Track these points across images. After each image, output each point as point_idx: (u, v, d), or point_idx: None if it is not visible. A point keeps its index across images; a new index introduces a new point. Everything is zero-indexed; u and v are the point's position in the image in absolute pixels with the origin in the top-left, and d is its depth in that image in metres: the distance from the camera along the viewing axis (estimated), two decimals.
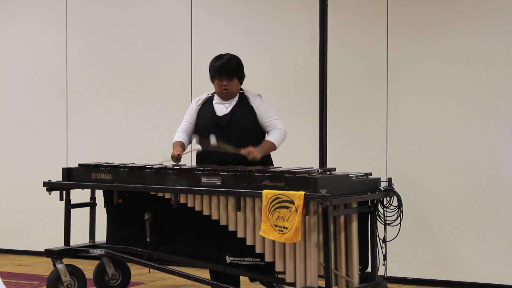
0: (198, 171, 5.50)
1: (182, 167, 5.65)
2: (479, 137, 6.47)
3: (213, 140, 5.60)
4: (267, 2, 7.26)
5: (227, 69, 5.70)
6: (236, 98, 5.77)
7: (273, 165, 5.79)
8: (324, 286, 5.06)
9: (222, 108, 5.76)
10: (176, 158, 5.77)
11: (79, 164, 6.10)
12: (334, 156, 6.88)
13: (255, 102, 5.73)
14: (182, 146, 5.86)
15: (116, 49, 7.87)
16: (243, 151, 5.58)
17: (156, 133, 7.68)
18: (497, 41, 6.41)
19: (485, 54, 6.44)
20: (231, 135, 5.68)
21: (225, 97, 5.76)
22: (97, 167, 5.97)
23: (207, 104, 5.83)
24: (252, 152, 5.57)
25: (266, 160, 5.75)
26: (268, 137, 5.72)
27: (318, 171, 5.27)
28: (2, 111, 8.39)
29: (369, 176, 5.44)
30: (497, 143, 6.41)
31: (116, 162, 6.08)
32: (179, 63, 7.58)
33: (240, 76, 5.77)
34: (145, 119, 7.73)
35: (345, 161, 6.73)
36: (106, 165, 5.98)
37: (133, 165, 5.87)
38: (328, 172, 5.31)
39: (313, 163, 6.61)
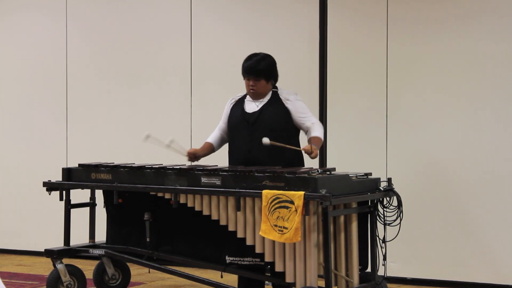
0: (198, 171, 5.50)
1: (182, 167, 5.65)
2: (479, 137, 6.46)
3: (265, 140, 5.46)
4: (267, 2, 7.26)
5: (253, 70, 5.65)
6: (268, 97, 5.73)
7: (298, 159, 5.73)
8: (324, 286, 5.06)
9: (252, 106, 5.74)
10: (189, 155, 5.79)
11: (79, 164, 6.10)
12: (334, 156, 6.88)
13: (289, 99, 5.68)
14: (208, 147, 5.89)
15: (116, 49, 7.87)
16: (305, 148, 5.46)
17: (156, 133, 7.65)
18: (498, 40, 6.41)
19: (485, 54, 6.44)
20: (258, 132, 5.59)
21: (253, 96, 5.74)
22: (97, 167, 5.97)
23: (239, 102, 5.82)
24: (315, 148, 5.45)
25: (300, 159, 5.71)
26: (314, 133, 5.60)
27: (318, 171, 5.27)
28: (2, 111, 8.39)
29: (369, 176, 5.44)
30: (497, 143, 6.41)
31: (116, 162, 6.08)
32: (179, 63, 7.58)
33: (269, 77, 5.69)
34: (145, 119, 7.73)
35: (345, 161, 6.73)
36: (106, 165, 5.98)
37: (133, 165, 5.87)
38: (328, 172, 5.31)
39: (313, 163, 6.60)
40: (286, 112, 5.66)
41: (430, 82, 6.63)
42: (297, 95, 5.75)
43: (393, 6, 6.73)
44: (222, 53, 7.37)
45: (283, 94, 5.71)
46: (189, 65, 7.54)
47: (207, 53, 7.48)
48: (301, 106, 5.69)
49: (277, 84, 5.81)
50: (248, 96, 5.80)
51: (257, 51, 5.86)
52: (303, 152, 5.58)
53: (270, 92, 5.72)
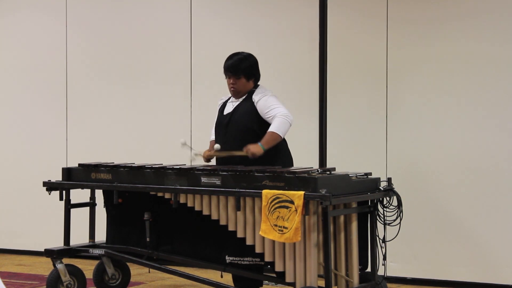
0: (197, 171, 5.50)
1: (182, 167, 5.65)
2: (479, 137, 6.46)
3: (216, 149, 5.64)
4: (267, 1, 7.26)
5: (233, 69, 5.74)
6: (243, 97, 5.78)
7: (289, 158, 5.76)
8: (323, 286, 5.06)
9: (230, 107, 5.81)
10: (207, 157, 5.84)
11: (79, 164, 6.10)
12: (334, 156, 6.88)
13: (256, 98, 5.70)
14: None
15: (116, 49, 7.87)
16: (246, 148, 5.53)
17: (156, 133, 7.68)
18: (498, 40, 6.40)
19: (485, 54, 6.44)
20: (230, 134, 5.70)
21: (234, 94, 5.82)
22: (97, 167, 5.97)
23: (224, 104, 5.91)
24: (249, 149, 5.52)
25: (276, 154, 5.65)
26: (270, 128, 5.58)
27: (318, 171, 5.27)
28: (2, 111, 8.38)
29: (369, 176, 5.44)
30: (498, 143, 6.41)
31: (116, 162, 6.08)
32: (179, 63, 7.58)
33: (249, 76, 5.75)
34: (145, 118, 7.73)
35: (345, 161, 6.73)
36: (106, 165, 5.98)
37: (133, 165, 5.87)
38: (328, 172, 5.31)
39: (313, 163, 6.61)
40: (255, 111, 5.68)
41: (430, 82, 6.63)
42: (266, 92, 5.71)
43: (393, 6, 6.73)
44: (222, 53, 7.30)
45: (256, 93, 5.74)
46: (189, 64, 7.54)
47: (207, 52, 7.48)
48: (265, 102, 5.65)
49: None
50: (232, 98, 5.84)
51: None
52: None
53: (247, 92, 5.76)
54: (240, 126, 5.70)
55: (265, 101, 5.66)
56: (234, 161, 5.64)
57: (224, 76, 5.85)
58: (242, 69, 5.73)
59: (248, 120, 5.69)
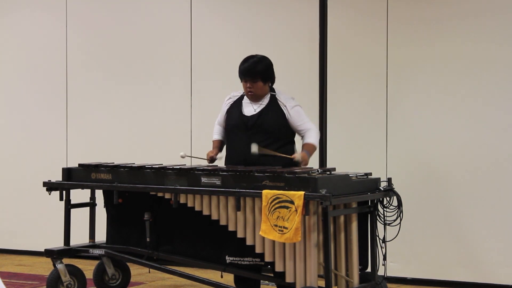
0: (198, 171, 5.51)
1: (182, 167, 5.65)
2: (480, 137, 6.46)
3: (254, 148, 5.59)
4: (267, 1, 7.25)
5: (250, 72, 5.67)
6: (266, 100, 5.75)
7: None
8: (324, 286, 5.06)
9: (250, 108, 5.76)
10: (210, 159, 5.82)
11: (79, 164, 6.10)
12: (334, 156, 6.88)
13: (287, 105, 5.70)
14: (219, 146, 5.91)
15: (116, 48, 7.87)
16: (296, 157, 5.54)
17: (156, 133, 7.68)
18: (498, 41, 6.40)
19: (485, 54, 6.44)
20: (256, 136, 5.64)
21: (251, 98, 5.77)
22: (97, 167, 5.97)
23: (237, 103, 5.84)
24: (302, 157, 5.54)
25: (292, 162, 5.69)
26: (308, 140, 5.68)
27: (318, 171, 5.27)
28: (1, 110, 8.38)
29: (369, 176, 5.45)
30: (498, 143, 6.41)
31: (116, 162, 6.08)
32: (179, 62, 7.57)
33: (266, 79, 5.72)
34: (145, 118, 7.73)
35: (345, 161, 6.73)
36: (106, 165, 5.98)
37: (133, 165, 5.87)
38: (328, 172, 5.31)
39: (313, 163, 6.60)
40: (284, 118, 5.69)
41: (430, 82, 6.63)
42: (294, 100, 5.78)
43: (393, 6, 6.73)
44: (222, 53, 7.37)
45: (281, 98, 5.74)
46: (189, 64, 7.53)
47: (207, 52, 7.48)
48: (298, 112, 5.72)
49: (276, 85, 5.83)
50: (245, 97, 5.81)
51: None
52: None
53: (268, 95, 5.74)
54: (270, 130, 5.66)
55: (298, 113, 5.72)
56: (281, 159, 5.59)
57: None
58: (258, 72, 5.67)
59: (279, 126, 5.68)
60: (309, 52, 7.02)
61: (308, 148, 5.65)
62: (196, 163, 6.24)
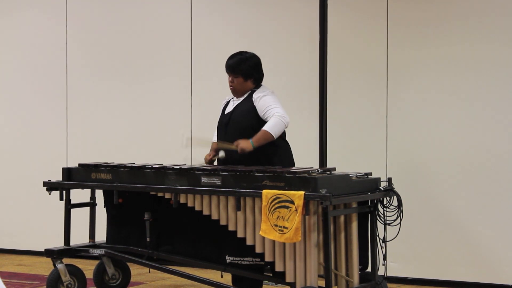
0: (198, 171, 5.51)
1: (182, 167, 5.65)
2: (480, 137, 6.46)
3: (221, 153, 5.70)
4: (267, 2, 7.26)
5: (231, 68, 5.78)
6: (244, 96, 5.80)
7: (291, 160, 5.78)
8: (324, 286, 5.06)
9: (231, 106, 5.85)
10: (208, 161, 5.86)
11: (79, 164, 6.10)
12: (334, 156, 6.88)
13: (256, 97, 5.71)
14: (215, 148, 5.92)
15: (116, 48, 7.87)
16: (234, 144, 5.57)
17: (156, 133, 7.68)
18: (498, 41, 6.40)
19: (485, 54, 6.44)
20: (229, 133, 5.72)
21: (232, 93, 5.86)
22: (97, 167, 5.97)
23: (226, 104, 5.94)
24: (240, 143, 5.53)
25: (265, 151, 5.62)
26: (264, 127, 5.60)
27: (318, 171, 5.27)
28: (2, 110, 8.38)
29: (369, 176, 5.44)
30: (498, 143, 6.41)
31: (116, 162, 6.08)
32: (179, 63, 7.58)
33: (248, 76, 5.76)
34: (145, 118, 7.73)
35: (345, 161, 6.73)
36: (106, 165, 5.98)
37: (133, 165, 5.87)
38: (328, 172, 5.31)
39: (313, 163, 6.61)
40: (254, 111, 5.69)
41: (430, 81, 6.63)
42: (266, 92, 5.73)
43: (393, 6, 6.73)
44: (222, 53, 7.31)
45: (256, 92, 5.75)
46: (189, 63, 7.54)
47: (207, 52, 7.48)
48: (264, 102, 5.66)
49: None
50: (234, 97, 5.88)
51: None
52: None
53: (249, 92, 5.77)
54: (239, 125, 5.71)
55: (263, 101, 5.67)
56: (260, 153, 5.60)
57: (224, 75, 5.88)
58: (240, 69, 5.75)
59: (247, 119, 5.70)
60: (309, 52, 7.02)
61: (256, 135, 5.54)
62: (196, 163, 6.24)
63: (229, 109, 5.84)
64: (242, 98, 5.80)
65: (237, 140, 5.60)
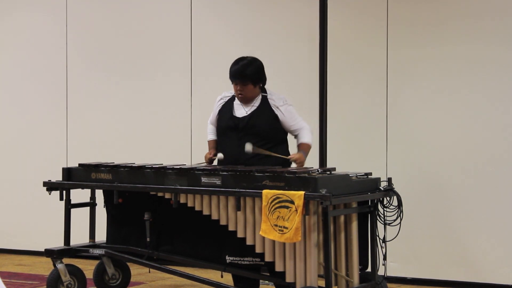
0: (198, 171, 5.50)
1: (182, 167, 5.65)
2: (480, 137, 6.46)
3: (248, 147, 5.60)
4: (267, 2, 7.26)
5: (240, 75, 5.68)
6: (258, 102, 5.75)
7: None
8: (324, 286, 5.06)
9: (242, 110, 5.76)
10: (209, 160, 5.85)
11: (79, 164, 6.10)
12: (334, 156, 6.88)
13: (279, 106, 5.71)
14: (215, 146, 5.92)
15: (116, 49, 7.87)
16: (292, 157, 5.60)
17: (156, 133, 7.68)
18: (498, 40, 6.41)
19: (485, 54, 6.44)
20: (248, 138, 5.65)
21: (241, 101, 5.77)
22: (97, 167, 5.97)
23: (228, 104, 5.84)
24: (299, 158, 5.60)
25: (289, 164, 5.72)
26: (303, 139, 5.72)
27: (318, 171, 5.27)
28: (2, 110, 8.38)
29: (369, 176, 5.45)
30: (498, 144, 6.41)
31: (116, 162, 6.08)
32: (179, 63, 7.58)
33: (256, 82, 5.71)
34: (145, 119, 7.73)
35: (345, 161, 6.73)
36: (106, 165, 5.98)
37: (133, 165, 5.87)
38: (328, 172, 5.32)
39: (313, 163, 6.60)
40: (276, 119, 5.71)
41: (430, 82, 6.63)
42: (286, 100, 5.78)
43: (393, 6, 6.73)
44: (222, 52, 7.36)
45: (273, 99, 5.75)
46: (189, 63, 7.54)
47: (207, 51, 7.48)
48: (290, 112, 5.73)
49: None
50: (237, 99, 5.82)
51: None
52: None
53: (260, 97, 5.75)
54: (261, 131, 5.67)
55: (290, 113, 5.73)
56: (272, 160, 5.62)
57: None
58: (248, 75, 5.67)
59: (271, 128, 5.69)
60: (309, 52, 7.02)
61: (304, 148, 5.71)
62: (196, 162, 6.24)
63: (241, 113, 5.74)
64: (256, 104, 5.73)
65: (256, 145, 5.60)
